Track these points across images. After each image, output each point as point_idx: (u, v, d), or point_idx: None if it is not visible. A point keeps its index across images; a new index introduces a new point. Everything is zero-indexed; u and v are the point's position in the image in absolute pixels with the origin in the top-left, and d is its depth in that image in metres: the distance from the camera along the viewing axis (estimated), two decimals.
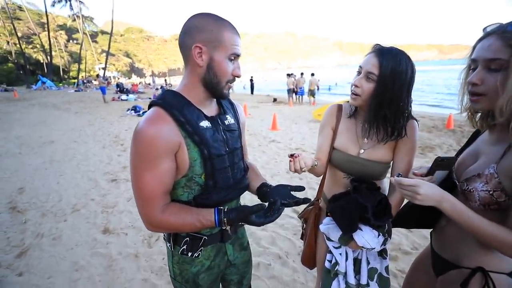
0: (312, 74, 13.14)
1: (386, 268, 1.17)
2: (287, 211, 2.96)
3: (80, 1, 39.13)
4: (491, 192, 0.75)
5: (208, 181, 0.85)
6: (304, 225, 1.38)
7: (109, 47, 36.59)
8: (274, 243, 2.42)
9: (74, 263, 2.25)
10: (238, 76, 0.86)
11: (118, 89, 21.06)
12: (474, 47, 0.79)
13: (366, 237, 1.04)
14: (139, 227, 2.73)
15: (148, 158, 0.76)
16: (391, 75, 0.94)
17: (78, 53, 43.21)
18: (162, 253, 2.32)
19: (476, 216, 0.75)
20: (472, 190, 0.78)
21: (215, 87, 0.84)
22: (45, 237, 2.61)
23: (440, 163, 0.87)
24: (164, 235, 1.00)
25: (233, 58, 0.82)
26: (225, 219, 0.82)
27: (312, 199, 1.30)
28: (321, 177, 1.24)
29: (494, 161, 0.77)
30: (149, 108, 0.83)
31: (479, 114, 0.87)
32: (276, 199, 0.84)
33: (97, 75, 18.45)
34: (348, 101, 1.19)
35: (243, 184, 0.99)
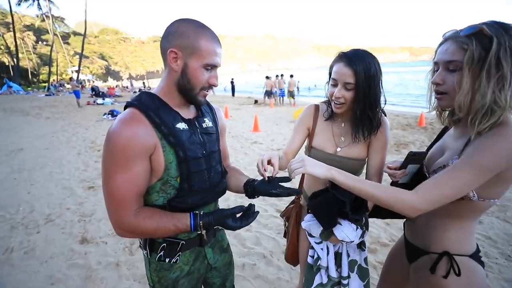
0: (291, 76, 13.35)
1: (365, 259, 1.23)
2: (270, 211, 2.99)
3: (49, 0, 37.14)
4: None
5: (183, 184, 0.84)
6: (287, 223, 1.42)
7: (82, 49, 34.96)
8: (259, 243, 2.44)
9: (49, 276, 2.13)
10: (214, 85, 0.86)
11: (93, 92, 20.16)
12: (436, 51, 0.86)
13: (346, 231, 1.08)
14: None
15: (121, 160, 0.74)
16: (366, 80, 0.99)
17: (48, 55, 40.88)
18: None
19: (363, 179, 0.89)
20: None
21: (189, 93, 0.83)
22: (15, 252, 2.45)
23: (413, 157, 0.94)
24: (140, 242, 0.97)
25: (209, 68, 0.82)
26: (201, 222, 0.81)
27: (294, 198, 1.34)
28: (301, 175, 1.28)
29: (456, 154, 0.84)
30: (124, 109, 0.82)
31: (447, 111, 0.95)
32: (250, 204, 0.86)
33: (70, 78, 17.51)
34: (324, 102, 1.24)
35: (220, 188, 0.98)
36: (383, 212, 1.14)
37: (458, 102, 0.78)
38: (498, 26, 0.72)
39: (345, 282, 1.20)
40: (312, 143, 1.21)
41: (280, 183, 0.93)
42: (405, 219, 1.13)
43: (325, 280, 1.20)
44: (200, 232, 0.84)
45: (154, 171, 0.80)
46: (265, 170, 0.92)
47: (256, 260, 2.20)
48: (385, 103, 1.09)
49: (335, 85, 1.06)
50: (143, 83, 25.77)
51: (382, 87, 1.06)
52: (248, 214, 0.86)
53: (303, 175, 1.30)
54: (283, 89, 13.33)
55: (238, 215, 0.87)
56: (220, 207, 1.03)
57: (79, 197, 3.53)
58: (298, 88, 13.43)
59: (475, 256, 0.88)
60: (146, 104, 0.80)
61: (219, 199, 1.05)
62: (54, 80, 36.91)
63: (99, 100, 15.39)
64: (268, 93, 13.52)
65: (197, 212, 0.84)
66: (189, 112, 0.91)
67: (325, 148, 1.17)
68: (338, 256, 1.21)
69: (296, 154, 1.25)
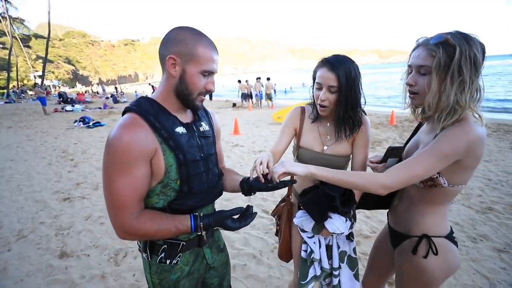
0: (268, 79, 13.56)
1: (354, 250, 1.31)
2: (257, 211, 3.04)
3: (6, 1, 34.40)
4: None
5: (183, 186, 0.86)
6: (278, 222, 1.47)
7: (46, 53, 32.61)
8: (247, 243, 2.47)
9: None
10: (211, 91, 0.89)
11: (61, 99, 18.99)
12: (410, 55, 0.96)
13: (336, 223, 1.16)
14: (103, 245, 2.55)
15: (122, 164, 0.75)
16: (348, 83, 1.08)
17: (6, 59, 37.75)
18: (133, 270, 2.20)
19: (338, 170, 0.98)
20: None
21: (187, 98, 0.86)
22: None
23: (391, 151, 1.04)
24: (139, 246, 0.97)
25: (206, 74, 0.85)
26: (201, 224, 0.84)
27: (284, 196, 1.40)
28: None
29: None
30: (123, 114, 0.83)
31: (420, 109, 1.05)
32: (248, 205, 0.90)
33: (35, 84, 16.30)
34: (309, 103, 1.31)
35: (218, 189, 1.01)
36: (368, 203, 1.24)
37: (427, 102, 0.90)
38: (461, 36, 0.82)
39: (336, 273, 1.28)
40: (300, 143, 1.28)
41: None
42: (388, 210, 1.23)
43: (318, 272, 1.26)
44: (200, 233, 0.87)
45: (154, 174, 0.82)
46: (262, 172, 0.95)
47: (246, 261, 2.23)
48: (365, 104, 1.19)
49: (319, 89, 1.14)
50: (115, 88, 24.66)
51: (361, 88, 1.16)
52: (246, 215, 0.90)
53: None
54: (262, 91, 13.49)
55: (236, 217, 0.91)
56: (216, 209, 1.06)
57: (53, 210, 3.33)
58: (275, 90, 13.62)
59: (450, 236, 0.99)
60: (145, 109, 0.81)
61: (219, 199, 1.07)
62: (14, 86, 34.10)
63: (68, 107, 14.53)
64: (245, 96, 13.63)
65: (197, 214, 0.86)
66: (186, 117, 0.93)
67: (313, 147, 1.25)
68: (329, 249, 1.28)
69: (283, 154, 1.31)
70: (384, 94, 20.30)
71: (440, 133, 0.88)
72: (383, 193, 0.91)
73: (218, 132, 1.08)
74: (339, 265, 1.28)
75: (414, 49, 0.95)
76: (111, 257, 2.37)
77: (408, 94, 0.99)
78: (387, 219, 1.23)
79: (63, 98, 18.96)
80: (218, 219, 0.86)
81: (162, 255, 0.90)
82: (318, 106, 1.18)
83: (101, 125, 9.30)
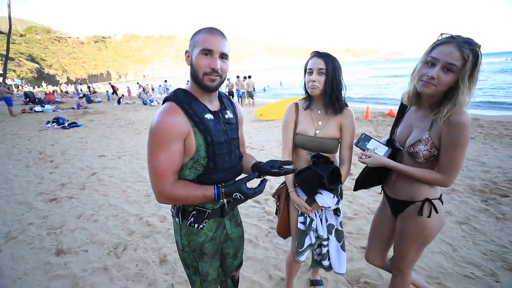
0: (249, 77, 13.73)
1: (340, 223, 1.54)
2: (249, 202, 3.21)
3: None
4: (429, 150, 1.16)
5: (209, 163, 1.03)
6: (278, 202, 1.66)
7: (8, 50, 30.16)
8: (243, 230, 2.64)
9: None
10: (214, 69, 0.95)
11: (28, 99, 17.79)
12: (433, 48, 1.06)
13: (325, 198, 1.37)
14: (100, 241, 2.59)
15: (163, 142, 0.92)
16: (333, 68, 1.34)
17: None
18: (134, 260, 2.28)
19: (404, 165, 1.22)
20: (417, 151, 1.18)
21: (196, 80, 1.00)
22: None
23: (365, 137, 1.31)
24: (172, 211, 1.14)
25: (206, 53, 0.94)
26: (222, 190, 0.99)
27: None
28: (289, 158, 1.54)
29: (426, 130, 1.16)
30: (163, 102, 1.01)
31: (415, 94, 1.21)
32: (263, 178, 1.04)
33: None
34: (302, 99, 1.51)
35: (238, 169, 1.18)
36: (367, 183, 1.47)
37: (460, 99, 1.02)
38: (479, 45, 0.98)
39: (325, 243, 1.50)
40: (297, 130, 1.47)
41: (282, 165, 1.11)
42: (381, 184, 1.47)
43: (313, 241, 1.48)
44: (222, 199, 1.01)
45: (187, 152, 0.99)
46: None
47: (244, 245, 2.40)
48: (346, 90, 1.41)
49: (311, 73, 1.37)
50: (88, 87, 23.55)
51: (342, 77, 1.39)
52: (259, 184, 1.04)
53: (291, 156, 1.56)
54: (245, 90, 13.63)
55: (250, 185, 1.03)
56: None
57: (41, 211, 3.27)
58: (254, 89, 13.82)
59: (440, 198, 1.27)
60: (181, 98, 0.98)
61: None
62: None
63: (37, 108, 13.69)
64: (229, 94, 13.73)
65: (219, 184, 1.02)
66: (214, 105, 1.09)
67: (307, 132, 1.44)
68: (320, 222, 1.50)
69: (292, 150, 1.51)
70: (359, 90, 21.26)
71: (448, 122, 1.06)
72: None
73: (241, 120, 1.24)
74: (328, 237, 1.50)
75: (441, 44, 1.03)
76: (111, 251, 2.44)
77: (421, 82, 1.09)
78: (384, 193, 1.46)
79: (30, 98, 17.77)
80: (236, 186, 1.00)
81: (192, 219, 1.07)
82: (309, 89, 1.38)
83: (78, 126, 8.95)
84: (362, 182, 1.47)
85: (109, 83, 25.53)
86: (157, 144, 0.92)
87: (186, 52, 1.01)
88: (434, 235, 1.27)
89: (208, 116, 1.01)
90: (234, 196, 1.00)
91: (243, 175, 1.12)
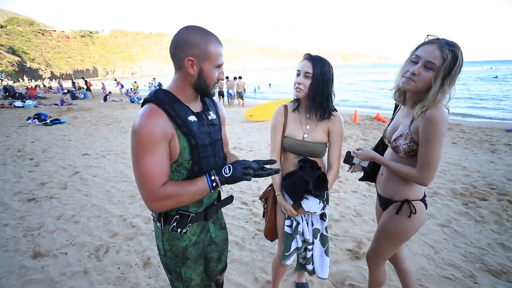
0: (240, 77, 13.70)
1: (326, 229, 1.54)
2: (236, 203, 3.19)
3: None
4: (409, 145, 1.20)
5: (194, 166, 0.99)
6: (265, 204, 1.64)
7: None
8: (230, 232, 2.61)
9: None
10: (222, 79, 1.04)
11: (7, 94, 17.03)
12: (418, 47, 1.13)
13: (311, 204, 1.37)
14: (81, 243, 2.49)
15: (148, 145, 0.87)
16: (321, 73, 1.32)
17: None
18: (116, 263, 2.21)
19: (387, 159, 1.29)
20: (398, 146, 1.23)
21: (205, 90, 1.01)
22: None
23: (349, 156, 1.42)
24: (153, 216, 1.09)
25: (218, 67, 0.99)
26: (217, 178, 0.95)
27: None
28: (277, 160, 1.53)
29: (407, 126, 1.21)
30: (143, 104, 0.95)
31: (403, 93, 1.27)
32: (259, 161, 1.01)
33: None
34: (292, 101, 1.51)
35: None
36: (370, 177, 1.57)
37: (431, 94, 1.08)
38: (459, 47, 1.05)
39: (310, 247, 1.50)
40: (285, 133, 1.47)
41: (264, 165, 1.06)
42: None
43: (300, 244, 1.47)
44: (217, 187, 0.96)
45: (171, 155, 0.95)
46: None
47: (230, 248, 2.37)
48: (334, 97, 1.41)
49: (298, 75, 1.37)
50: (73, 83, 22.62)
51: (333, 85, 1.38)
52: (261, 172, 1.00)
53: (279, 160, 1.55)
54: (234, 91, 13.58)
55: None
56: (221, 189, 1.17)
57: (17, 211, 3.12)
58: (244, 89, 13.80)
59: (423, 200, 1.30)
60: (162, 99, 0.93)
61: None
62: None
63: (18, 103, 13.13)
64: (219, 94, 13.68)
65: (211, 172, 0.97)
66: (196, 106, 1.06)
67: (295, 135, 1.44)
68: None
69: (280, 152, 1.50)
70: (347, 94, 21.64)
71: (423, 117, 1.10)
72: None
73: (223, 120, 1.22)
74: (313, 241, 1.50)
75: (425, 44, 1.11)
76: (92, 254, 2.35)
77: (403, 78, 1.15)
78: (376, 187, 1.51)
79: (10, 93, 17.04)
80: (234, 165, 0.96)
81: (174, 224, 1.03)
82: (294, 91, 1.38)
83: (61, 123, 8.63)
84: (370, 176, 1.56)
85: (83, 78, 24.09)
86: (142, 149, 0.87)
87: (188, 60, 0.91)
88: (409, 236, 1.31)
89: (192, 118, 0.98)
90: (224, 170, 0.96)
91: None
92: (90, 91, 19.09)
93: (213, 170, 0.98)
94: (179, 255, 1.08)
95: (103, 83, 21.93)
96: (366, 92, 23.40)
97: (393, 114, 1.44)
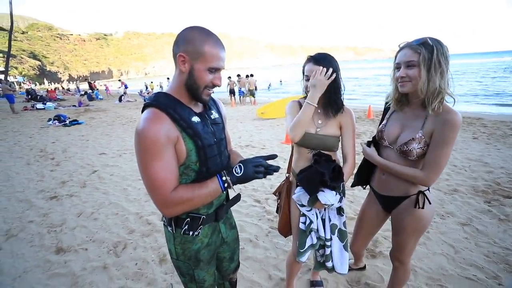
0: (252, 75, 13.69)
1: (344, 224, 1.51)
2: (249, 201, 3.20)
3: None
4: (423, 148, 1.20)
5: (201, 167, 0.98)
6: (278, 199, 1.64)
7: (9, 46, 30.14)
8: (243, 230, 2.63)
9: None
10: (218, 85, 0.96)
11: (29, 96, 17.83)
12: (395, 56, 1.23)
13: (327, 196, 1.34)
14: (100, 239, 2.58)
15: (154, 151, 0.85)
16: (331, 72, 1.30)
17: None
18: (134, 259, 2.28)
19: (389, 162, 1.31)
20: (411, 150, 1.22)
21: (195, 92, 0.95)
22: None
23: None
24: (164, 221, 1.09)
25: (213, 70, 0.93)
26: (228, 179, 0.94)
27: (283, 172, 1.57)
28: (289, 156, 1.53)
29: (419, 128, 1.21)
30: (143, 109, 0.93)
31: (399, 99, 1.31)
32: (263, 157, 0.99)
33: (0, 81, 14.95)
34: (303, 97, 1.49)
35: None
36: (361, 180, 1.55)
37: (419, 88, 1.15)
38: (435, 39, 1.10)
39: (328, 243, 1.47)
40: None
41: (266, 160, 1.01)
42: (367, 184, 1.56)
43: (315, 241, 1.46)
44: (228, 186, 0.95)
45: (178, 158, 0.93)
46: None
47: (243, 245, 2.39)
48: (344, 90, 1.41)
49: (308, 80, 1.35)
50: (89, 83, 23.39)
51: (341, 78, 1.38)
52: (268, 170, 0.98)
53: (291, 157, 1.55)
54: (246, 88, 13.59)
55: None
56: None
57: (41, 209, 3.27)
58: (256, 87, 13.77)
59: (428, 189, 1.31)
60: (164, 103, 0.92)
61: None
62: None
63: (39, 105, 13.72)
64: (231, 92, 13.73)
65: (221, 173, 0.97)
66: (198, 107, 1.04)
67: (309, 130, 1.42)
68: (322, 222, 1.48)
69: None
70: (361, 90, 21.13)
71: (435, 120, 1.15)
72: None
73: (225, 118, 1.20)
74: (331, 237, 1.48)
75: (399, 51, 1.21)
76: (111, 250, 2.43)
77: (399, 85, 1.22)
78: (372, 191, 1.50)
79: (32, 96, 17.82)
80: (245, 164, 0.95)
81: (186, 227, 1.03)
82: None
83: (79, 123, 8.96)
84: (358, 181, 1.57)
85: (86, 80, 25.02)
86: (149, 155, 0.85)
87: (180, 55, 0.90)
88: (429, 224, 1.34)
89: (195, 119, 0.96)
90: (235, 170, 0.95)
91: None
92: (95, 90, 19.46)
93: (224, 171, 0.96)
94: (192, 258, 1.08)
95: (105, 85, 22.82)
96: (382, 86, 22.73)
97: (383, 116, 1.47)
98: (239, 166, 0.95)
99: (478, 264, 2.05)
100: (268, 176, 3.89)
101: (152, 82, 20.65)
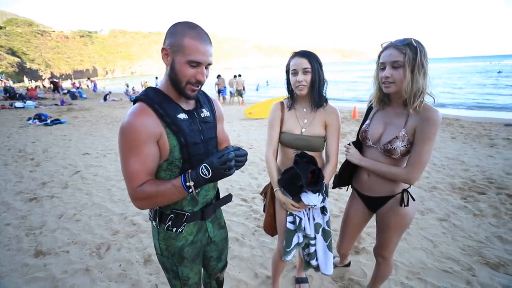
0: (239, 75, 13.66)
1: (327, 223, 1.54)
2: (236, 200, 3.21)
3: None
4: (406, 146, 1.24)
5: (185, 165, 0.98)
6: (265, 199, 1.66)
7: None
8: (230, 229, 2.63)
9: None
10: (200, 81, 0.93)
11: (8, 95, 17.05)
12: (379, 56, 1.24)
13: (310, 197, 1.37)
14: (82, 241, 2.52)
15: (133, 145, 0.87)
16: (317, 66, 1.34)
17: None
18: (118, 261, 2.23)
19: (375, 162, 1.34)
20: (395, 148, 1.25)
21: (177, 86, 0.93)
22: None
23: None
24: (149, 214, 1.09)
25: (194, 64, 0.89)
26: (192, 184, 0.87)
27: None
28: (273, 156, 1.54)
29: (402, 127, 1.24)
30: (134, 103, 0.94)
31: (381, 99, 1.34)
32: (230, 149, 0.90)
33: None
34: (287, 97, 1.51)
35: None
36: (340, 183, 1.57)
37: (404, 88, 1.18)
38: (417, 41, 1.14)
39: (312, 242, 1.50)
40: (282, 129, 1.47)
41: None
42: (349, 185, 1.58)
43: (301, 240, 1.48)
44: (188, 182, 0.88)
45: (161, 153, 0.94)
46: None
47: (230, 244, 2.39)
48: (327, 85, 1.43)
49: (295, 74, 1.36)
50: (53, 83, 22.35)
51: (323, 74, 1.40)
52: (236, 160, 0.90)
53: (276, 157, 1.56)
54: (233, 88, 13.55)
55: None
56: (219, 187, 1.21)
57: (19, 211, 3.14)
58: (244, 87, 13.75)
59: (410, 187, 1.36)
60: (152, 98, 0.92)
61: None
62: None
63: (18, 103, 13.14)
64: (219, 92, 13.70)
65: (187, 172, 0.91)
66: (189, 104, 1.04)
67: (293, 130, 1.45)
68: (308, 221, 1.50)
69: (277, 147, 1.53)
70: (349, 93, 21.53)
71: (416, 118, 1.19)
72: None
73: (220, 117, 1.19)
74: (315, 236, 1.51)
75: (383, 51, 1.22)
76: (93, 251, 2.37)
77: (383, 85, 1.23)
78: (356, 191, 1.53)
79: (10, 94, 17.06)
80: (211, 164, 0.86)
81: (169, 223, 1.03)
82: (296, 89, 1.38)
83: (61, 123, 8.65)
84: (339, 182, 1.59)
85: (49, 78, 24.21)
86: (128, 148, 0.87)
87: (163, 49, 0.90)
88: (412, 220, 1.40)
89: (182, 115, 0.96)
90: (202, 172, 0.87)
91: None
92: (58, 92, 17.85)
93: (188, 173, 0.90)
94: (176, 255, 1.08)
95: (93, 81, 22.63)
96: (366, 89, 23.22)
97: (366, 116, 1.49)
98: (205, 166, 0.87)
99: (454, 257, 2.15)
100: (255, 176, 3.93)
101: (146, 82, 20.61)
